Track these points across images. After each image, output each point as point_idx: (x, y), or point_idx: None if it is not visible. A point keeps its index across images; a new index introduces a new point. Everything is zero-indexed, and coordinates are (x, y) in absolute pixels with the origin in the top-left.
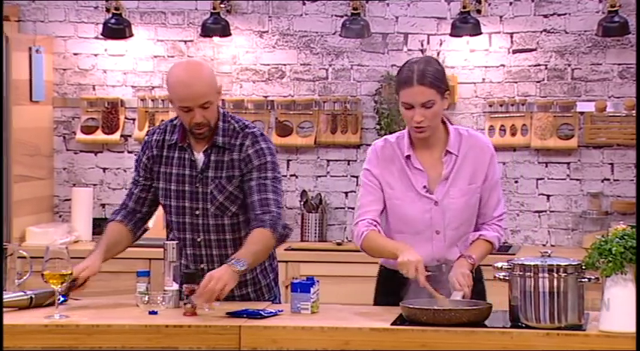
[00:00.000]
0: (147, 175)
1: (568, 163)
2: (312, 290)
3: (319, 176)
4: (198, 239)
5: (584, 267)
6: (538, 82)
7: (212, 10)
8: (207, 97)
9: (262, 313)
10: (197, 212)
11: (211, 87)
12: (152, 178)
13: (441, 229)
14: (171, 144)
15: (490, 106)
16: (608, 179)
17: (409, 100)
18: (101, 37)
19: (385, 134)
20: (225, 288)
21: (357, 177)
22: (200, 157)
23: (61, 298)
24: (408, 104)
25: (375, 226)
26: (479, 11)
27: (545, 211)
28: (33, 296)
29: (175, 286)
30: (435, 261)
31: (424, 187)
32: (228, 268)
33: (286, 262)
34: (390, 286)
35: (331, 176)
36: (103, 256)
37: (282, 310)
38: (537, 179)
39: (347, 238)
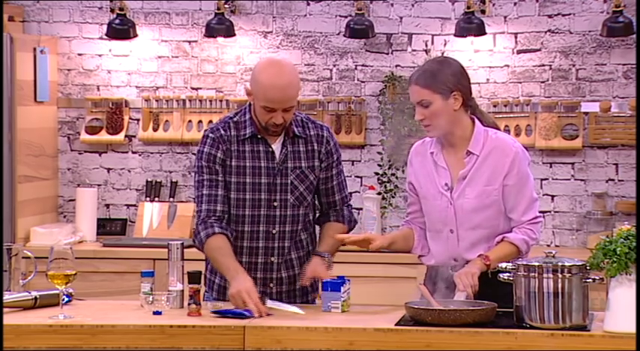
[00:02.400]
0: (224, 170)
1: (572, 164)
2: (342, 289)
3: None
4: (274, 231)
5: (588, 267)
6: (542, 82)
7: (216, 11)
8: (294, 102)
9: (246, 313)
10: (275, 204)
11: (298, 90)
12: (225, 173)
13: (454, 228)
14: (243, 138)
15: (494, 106)
16: (613, 179)
17: (410, 97)
18: (105, 37)
19: (389, 135)
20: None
21: (361, 177)
22: (277, 148)
23: (66, 299)
24: (412, 102)
25: (409, 224)
26: (483, 11)
27: (550, 212)
28: (37, 296)
29: (179, 287)
30: (451, 260)
31: (445, 184)
32: (322, 261)
33: None
34: (434, 283)
35: None
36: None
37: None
38: (542, 179)
39: None
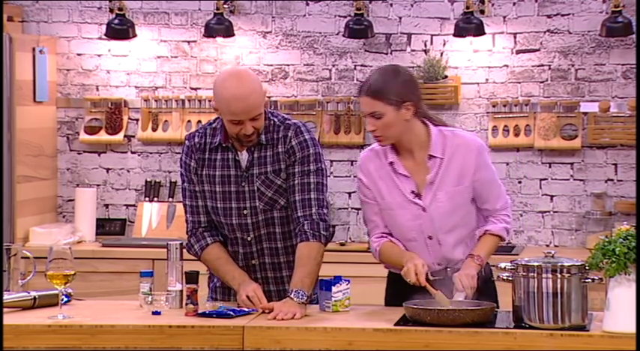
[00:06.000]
0: (197, 178)
1: (571, 164)
2: (333, 289)
3: None
4: (249, 238)
5: (587, 267)
6: (541, 82)
7: (215, 11)
8: (260, 109)
9: (232, 312)
10: (245, 212)
11: (262, 97)
12: (198, 181)
13: (432, 234)
14: (214, 146)
15: (493, 106)
16: (612, 180)
17: (361, 108)
18: (104, 37)
19: None
20: (296, 316)
21: None
22: (244, 156)
23: (65, 299)
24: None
25: (386, 236)
26: (482, 11)
27: (549, 212)
28: (37, 296)
29: (179, 287)
30: (436, 265)
31: (412, 192)
32: (292, 302)
33: None
34: (399, 289)
35: (334, 177)
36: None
37: (255, 309)
38: (541, 180)
39: (350, 238)
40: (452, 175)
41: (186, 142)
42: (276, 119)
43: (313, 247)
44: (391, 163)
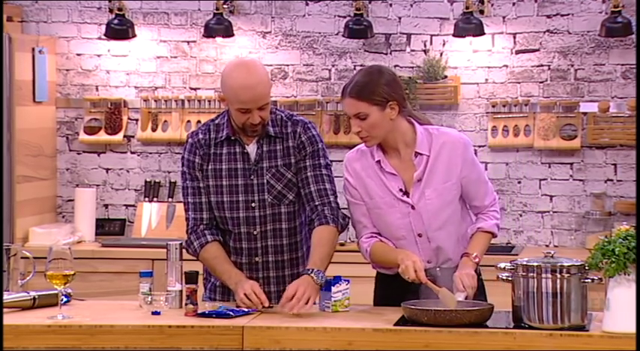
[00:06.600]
0: (202, 175)
1: (571, 164)
2: (332, 289)
3: None
4: (255, 232)
5: (587, 267)
6: (541, 82)
7: (215, 11)
8: (267, 99)
9: (231, 312)
10: (253, 205)
11: (269, 87)
12: (203, 177)
13: (422, 232)
14: (219, 141)
15: (493, 106)
16: (612, 180)
17: (345, 110)
18: (104, 37)
19: None
20: (310, 301)
21: None
22: (252, 149)
23: (64, 299)
24: (347, 114)
25: (376, 236)
26: (482, 12)
27: (549, 212)
28: (36, 297)
29: (178, 287)
30: (425, 263)
31: (400, 190)
32: (310, 280)
33: None
34: (389, 289)
35: (334, 177)
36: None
37: (255, 309)
38: (540, 180)
39: (350, 238)
40: (439, 173)
41: (189, 139)
42: (282, 114)
43: (332, 231)
44: (378, 162)
